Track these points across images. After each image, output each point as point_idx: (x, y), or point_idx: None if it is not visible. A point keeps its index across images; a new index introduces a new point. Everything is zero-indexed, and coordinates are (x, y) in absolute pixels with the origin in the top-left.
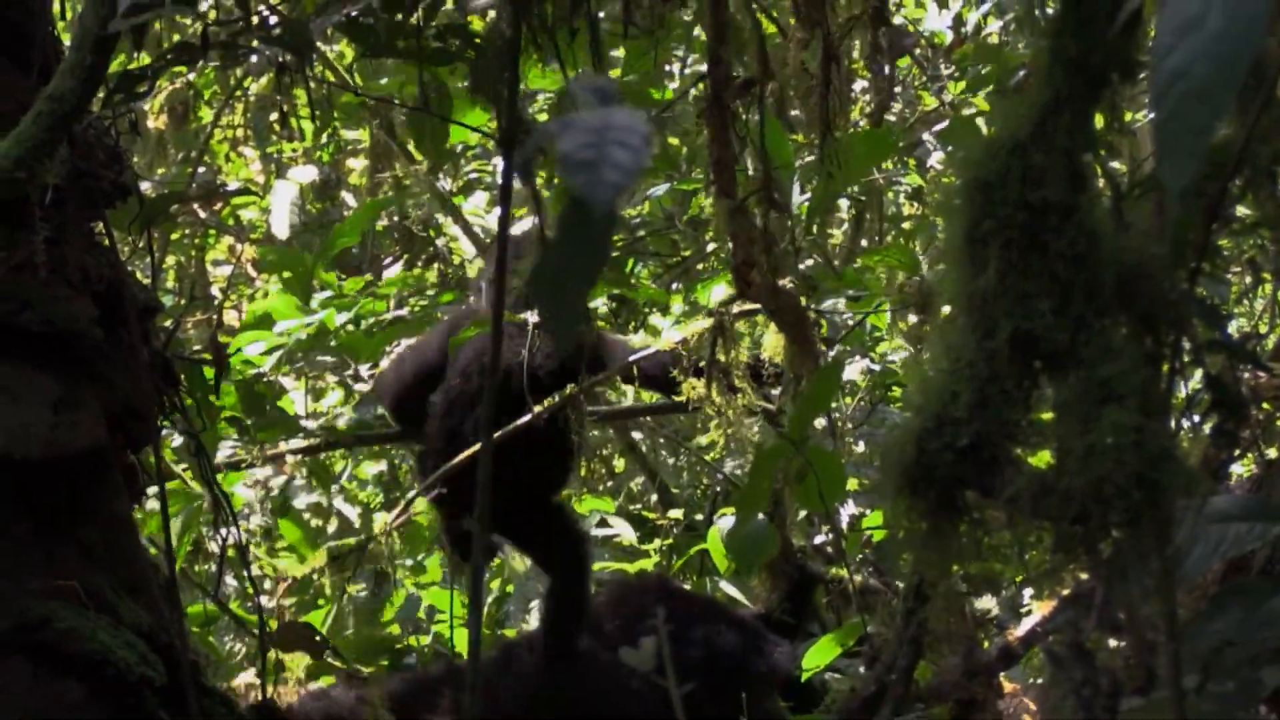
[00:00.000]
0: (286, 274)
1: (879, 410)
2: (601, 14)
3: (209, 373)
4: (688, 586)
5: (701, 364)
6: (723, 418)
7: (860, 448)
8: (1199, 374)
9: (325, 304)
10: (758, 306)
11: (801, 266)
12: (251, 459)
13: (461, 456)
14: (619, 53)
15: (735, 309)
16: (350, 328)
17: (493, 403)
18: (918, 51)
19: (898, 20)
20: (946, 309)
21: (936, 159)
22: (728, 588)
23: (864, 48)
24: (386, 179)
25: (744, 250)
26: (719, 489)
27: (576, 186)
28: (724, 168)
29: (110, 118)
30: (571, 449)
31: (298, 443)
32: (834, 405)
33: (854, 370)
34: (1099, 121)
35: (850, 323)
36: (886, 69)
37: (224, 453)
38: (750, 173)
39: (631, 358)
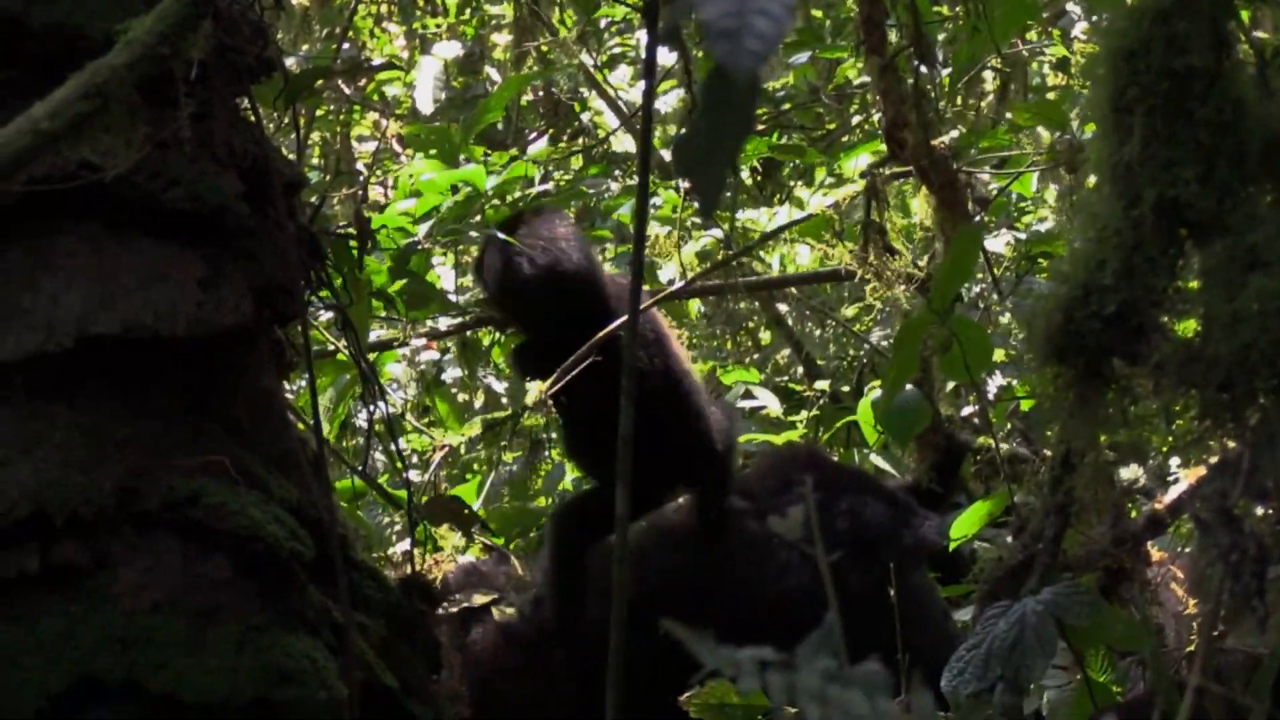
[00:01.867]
0: (433, 152)
1: (1025, 280)
2: None
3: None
4: (835, 458)
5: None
6: (879, 280)
7: (1006, 319)
8: None
9: (472, 174)
10: (909, 169)
11: (946, 139)
12: (404, 337)
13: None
14: None
15: (886, 171)
16: (496, 201)
17: (638, 295)
18: None
19: None
20: (1093, 179)
21: (1080, 30)
22: (876, 459)
23: None
24: (530, 53)
25: (895, 109)
26: (865, 360)
27: (719, 55)
28: (874, 26)
29: None
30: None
31: (448, 321)
32: (980, 275)
33: (999, 242)
34: None
35: (995, 191)
36: None
37: (375, 334)
38: (893, 39)
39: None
